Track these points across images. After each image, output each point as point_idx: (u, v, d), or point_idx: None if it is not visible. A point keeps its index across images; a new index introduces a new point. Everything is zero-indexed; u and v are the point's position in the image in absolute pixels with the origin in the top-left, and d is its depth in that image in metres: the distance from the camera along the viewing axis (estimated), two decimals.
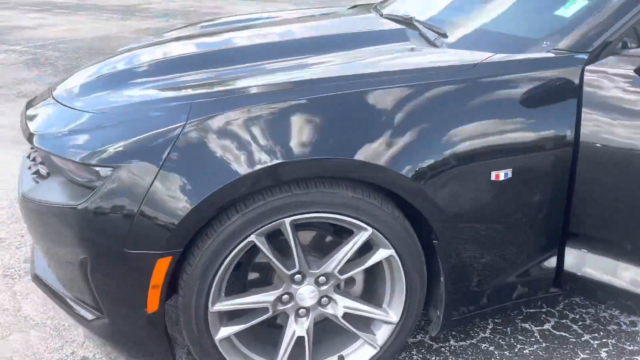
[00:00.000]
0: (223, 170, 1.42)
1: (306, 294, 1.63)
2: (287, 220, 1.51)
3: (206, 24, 2.76)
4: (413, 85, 1.55)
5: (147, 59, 2.02)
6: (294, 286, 1.63)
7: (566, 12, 1.79)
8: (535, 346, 1.96)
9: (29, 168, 1.78)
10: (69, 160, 1.53)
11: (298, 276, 1.61)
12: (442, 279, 1.65)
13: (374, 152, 1.48)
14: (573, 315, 2.12)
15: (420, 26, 2.05)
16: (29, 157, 1.85)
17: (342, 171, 1.51)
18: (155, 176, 1.42)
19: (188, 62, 1.95)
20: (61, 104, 1.77)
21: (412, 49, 1.88)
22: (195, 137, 1.44)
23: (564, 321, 2.08)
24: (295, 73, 1.73)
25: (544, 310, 2.13)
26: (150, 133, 1.46)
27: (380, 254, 1.61)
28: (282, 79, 1.67)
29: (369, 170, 1.49)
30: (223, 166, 1.43)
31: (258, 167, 1.43)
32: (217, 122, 1.46)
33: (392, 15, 2.31)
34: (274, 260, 1.56)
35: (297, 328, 1.66)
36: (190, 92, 1.65)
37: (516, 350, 1.94)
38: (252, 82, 1.68)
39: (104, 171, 1.48)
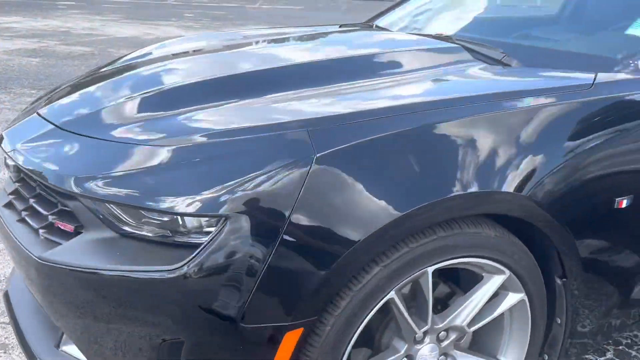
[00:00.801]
0: (372, 211, 1.16)
1: (427, 353, 1.39)
2: (430, 270, 1.28)
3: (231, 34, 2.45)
4: (537, 107, 1.41)
5: (184, 77, 1.66)
6: (416, 346, 1.38)
7: (636, 31, 1.80)
8: None
9: (22, 221, 1.42)
10: (152, 210, 1.14)
11: (420, 334, 1.37)
12: (560, 321, 1.51)
13: (516, 181, 1.31)
14: None
15: (472, 46, 1.92)
16: (9, 205, 1.52)
17: (484, 205, 1.31)
18: (285, 224, 1.10)
19: (251, 81, 1.62)
20: (92, 137, 1.40)
21: (497, 70, 1.74)
22: (329, 174, 1.15)
23: None
24: (399, 93, 1.51)
25: None
26: (269, 170, 1.14)
27: (512, 299, 1.43)
28: (403, 101, 1.43)
29: (513, 203, 1.32)
30: (372, 207, 1.16)
31: (414, 206, 1.18)
32: (351, 153, 1.19)
33: (425, 33, 2.17)
34: (408, 318, 1.31)
35: None
36: (293, 117, 1.33)
37: None
38: (366, 105, 1.41)
39: (209, 223, 1.12)
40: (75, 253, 1.25)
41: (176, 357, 1.19)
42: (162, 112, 1.46)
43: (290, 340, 1.17)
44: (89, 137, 1.40)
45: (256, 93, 1.51)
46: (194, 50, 2.17)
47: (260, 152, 1.21)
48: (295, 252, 1.14)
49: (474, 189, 1.26)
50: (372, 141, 1.22)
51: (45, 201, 1.41)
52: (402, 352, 1.38)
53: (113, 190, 1.21)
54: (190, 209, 1.14)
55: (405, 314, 1.32)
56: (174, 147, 1.27)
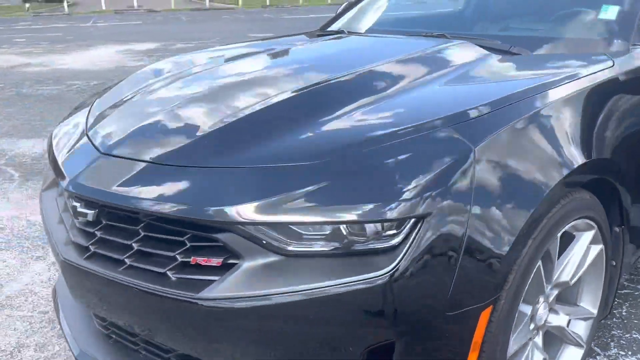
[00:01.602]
0: (531, 189, 1.31)
1: (542, 312, 1.57)
2: (558, 235, 1.45)
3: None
4: (591, 86, 1.63)
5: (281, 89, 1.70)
6: (535, 307, 1.55)
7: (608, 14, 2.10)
8: None
9: (130, 268, 1.35)
10: (339, 222, 1.17)
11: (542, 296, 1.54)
12: (615, 263, 1.79)
13: (605, 147, 1.58)
14: None
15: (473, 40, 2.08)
16: (92, 256, 1.44)
17: (592, 172, 1.54)
18: (469, 216, 1.20)
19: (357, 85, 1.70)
20: (229, 167, 1.35)
21: (523, 59, 1.94)
22: (489, 161, 1.27)
23: None
24: (479, 86, 1.66)
25: None
26: (442, 168, 1.22)
27: (595, 250, 1.66)
28: (500, 92, 1.52)
29: (603, 167, 1.55)
30: (529, 186, 1.30)
31: (557, 179, 1.35)
32: (502, 138, 1.31)
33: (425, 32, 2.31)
34: (545, 282, 1.48)
35: (538, 354, 1.58)
36: (434, 116, 1.40)
37: None
38: (476, 98, 1.50)
39: (394, 225, 1.19)
40: (243, 284, 1.20)
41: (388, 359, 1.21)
42: (293, 126, 1.45)
43: (483, 318, 1.25)
44: (222, 167, 1.34)
45: (372, 95, 1.56)
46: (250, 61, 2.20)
47: (428, 152, 1.27)
48: (480, 238, 1.22)
49: (587, 157, 1.46)
50: (513, 126, 1.35)
51: (159, 242, 1.32)
52: (529, 314, 1.53)
53: (290, 212, 1.18)
54: (390, 214, 1.16)
55: (544, 278, 1.47)
56: (339, 157, 1.27)
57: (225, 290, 1.20)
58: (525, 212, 1.27)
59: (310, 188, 1.20)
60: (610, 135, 1.61)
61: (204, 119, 1.57)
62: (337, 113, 1.48)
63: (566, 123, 1.49)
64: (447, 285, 1.19)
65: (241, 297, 1.18)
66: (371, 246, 1.19)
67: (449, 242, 1.18)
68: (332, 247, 1.20)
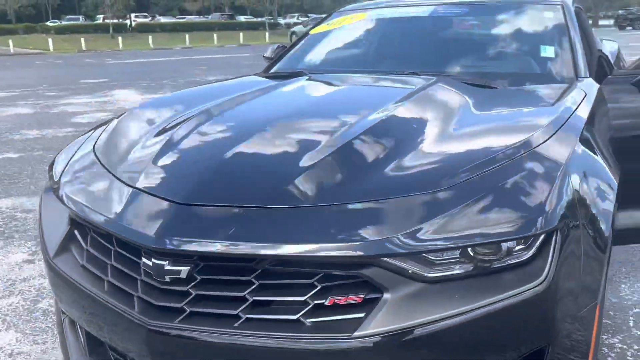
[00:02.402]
0: None
1: None
2: None
3: None
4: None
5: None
6: None
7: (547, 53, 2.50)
8: None
9: (248, 321, 1.23)
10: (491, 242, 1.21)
11: None
12: None
13: None
14: None
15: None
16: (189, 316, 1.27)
17: None
18: (580, 223, 1.35)
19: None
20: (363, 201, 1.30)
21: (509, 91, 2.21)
22: (575, 174, 1.47)
23: None
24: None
25: None
26: (552, 184, 1.34)
27: None
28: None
29: None
30: None
31: None
32: (576, 152, 1.55)
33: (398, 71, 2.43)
34: None
35: None
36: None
37: None
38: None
39: (539, 239, 1.25)
40: (393, 316, 1.17)
41: None
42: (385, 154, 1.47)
43: (598, 311, 1.39)
44: (341, 203, 1.28)
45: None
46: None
47: (535, 171, 1.37)
48: (590, 242, 1.37)
49: None
50: (578, 138, 1.60)
51: (278, 289, 1.25)
52: None
53: (433, 240, 1.19)
54: (529, 230, 1.21)
55: None
56: (461, 183, 1.31)
57: (380, 324, 1.15)
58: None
59: (444, 214, 1.22)
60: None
61: (285, 156, 1.50)
62: (420, 146, 1.52)
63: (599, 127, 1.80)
64: (595, 288, 1.34)
65: (401, 329, 1.15)
66: (506, 263, 1.22)
67: (576, 248, 1.30)
68: (471, 269, 1.21)
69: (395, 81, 2.32)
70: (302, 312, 1.20)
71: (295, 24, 39.73)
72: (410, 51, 2.79)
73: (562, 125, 1.61)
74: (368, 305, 1.19)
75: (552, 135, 1.54)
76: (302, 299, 1.20)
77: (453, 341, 1.19)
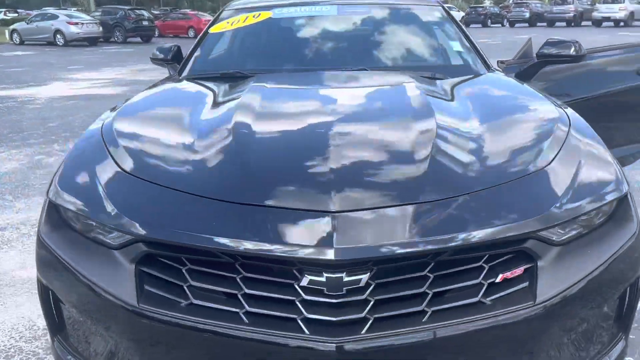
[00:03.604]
0: None
1: None
2: None
3: None
4: None
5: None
6: None
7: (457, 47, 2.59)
8: None
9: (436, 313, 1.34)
10: None
11: None
12: None
13: None
14: None
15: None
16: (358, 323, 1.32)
17: None
18: None
19: None
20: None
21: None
22: None
23: None
24: None
25: None
26: None
27: None
28: None
29: None
30: None
31: None
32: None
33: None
34: None
35: None
36: None
37: None
38: None
39: None
40: (553, 280, 1.39)
41: None
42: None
43: None
44: (478, 190, 1.46)
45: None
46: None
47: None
48: None
49: None
50: None
51: (450, 277, 1.37)
52: None
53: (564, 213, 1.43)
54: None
55: None
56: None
57: (550, 288, 1.36)
58: None
59: (569, 188, 1.50)
60: None
61: (399, 154, 1.64)
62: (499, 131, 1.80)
63: None
64: None
65: (568, 287, 1.38)
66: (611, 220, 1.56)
67: None
68: (589, 230, 1.49)
69: (376, 76, 2.54)
70: (481, 293, 1.34)
71: (4, 20, 36.34)
72: (339, 49, 2.88)
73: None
74: (527, 275, 1.39)
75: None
76: (477, 281, 1.35)
77: (603, 283, 1.45)
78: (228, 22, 3.10)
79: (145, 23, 25.82)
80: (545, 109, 2.01)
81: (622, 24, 29.60)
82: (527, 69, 2.81)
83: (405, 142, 1.68)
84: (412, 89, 2.13)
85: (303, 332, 1.29)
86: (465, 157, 1.60)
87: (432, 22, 3.09)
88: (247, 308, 1.34)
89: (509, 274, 1.38)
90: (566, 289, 1.38)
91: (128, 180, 1.62)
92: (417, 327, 1.29)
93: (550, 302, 1.36)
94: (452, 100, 2.10)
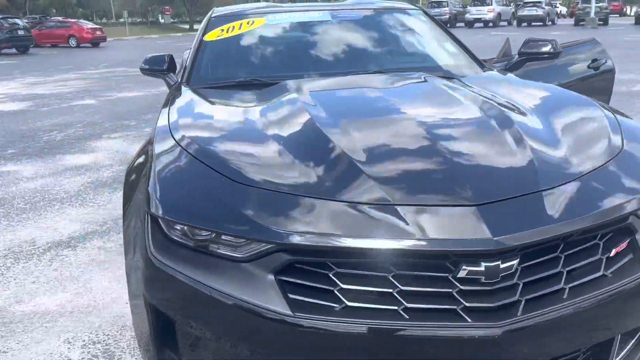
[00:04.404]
0: None
1: None
2: None
3: None
4: None
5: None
6: None
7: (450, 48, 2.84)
8: None
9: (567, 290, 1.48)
10: None
11: None
12: None
13: None
14: None
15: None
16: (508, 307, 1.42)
17: None
18: None
19: None
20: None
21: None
22: None
23: None
24: None
25: None
26: None
27: None
28: None
29: None
30: None
31: None
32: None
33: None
34: None
35: None
36: None
37: None
38: None
39: None
40: None
41: None
42: None
43: None
44: (569, 181, 1.59)
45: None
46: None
47: None
48: None
49: None
50: None
51: (576, 256, 1.50)
52: None
53: None
54: None
55: None
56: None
57: None
58: None
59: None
60: None
61: (495, 149, 1.75)
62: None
63: None
64: None
65: None
66: None
67: None
68: None
69: (406, 78, 2.63)
70: (602, 267, 1.49)
71: None
72: (350, 53, 2.93)
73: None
74: (630, 248, 1.57)
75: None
76: (598, 257, 1.50)
77: None
78: (222, 30, 3.06)
79: (20, 32, 23.70)
80: (577, 99, 2.28)
81: (491, 24, 32.43)
82: (511, 66, 3.08)
83: (502, 137, 1.80)
84: (464, 88, 2.34)
85: (465, 320, 1.35)
86: (554, 147, 1.75)
87: (422, 25, 3.28)
88: (406, 304, 1.38)
89: (619, 248, 1.54)
90: None
91: (249, 191, 1.58)
92: (562, 304, 1.40)
93: None
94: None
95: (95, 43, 28.37)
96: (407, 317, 1.37)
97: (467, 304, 1.37)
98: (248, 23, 3.08)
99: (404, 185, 1.56)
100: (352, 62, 2.91)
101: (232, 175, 1.64)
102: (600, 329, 1.52)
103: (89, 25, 29.74)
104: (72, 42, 27.95)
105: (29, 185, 4.70)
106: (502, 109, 2.03)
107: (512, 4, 38.17)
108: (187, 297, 1.52)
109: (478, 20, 32.96)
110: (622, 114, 2.12)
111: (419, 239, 1.38)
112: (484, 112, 2.00)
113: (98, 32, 28.63)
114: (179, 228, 1.56)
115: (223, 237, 1.51)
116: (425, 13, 3.41)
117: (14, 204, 4.22)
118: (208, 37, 3.04)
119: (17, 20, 25.04)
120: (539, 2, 34.27)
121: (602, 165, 1.69)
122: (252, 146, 1.86)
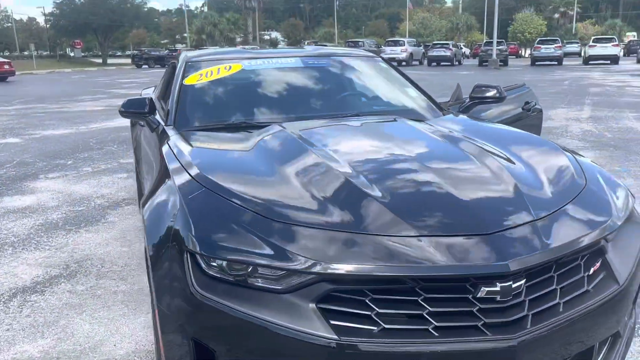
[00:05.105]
0: None
1: None
2: None
3: None
4: None
5: None
6: None
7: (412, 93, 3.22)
8: None
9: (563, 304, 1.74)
10: None
11: None
12: None
13: None
14: None
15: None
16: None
17: None
18: None
19: None
20: None
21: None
22: None
23: None
24: None
25: None
26: None
27: None
28: None
29: None
30: None
31: None
32: None
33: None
34: None
35: None
36: None
37: None
38: None
39: None
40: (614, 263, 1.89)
41: None
42: None
43: None
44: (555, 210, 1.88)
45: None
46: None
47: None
48: None
49: None
50: None
51: (566, 275, 1.76)
52: None
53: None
54: None
55: None
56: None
57: (622, 271, 1.86)
58: None
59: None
60: None
61: (495, 187, 2.00)
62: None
63: None
64: None
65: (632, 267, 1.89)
66: None
67: None
68: None
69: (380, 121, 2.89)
70: (585, 283, 1.77)
71: None
72: (322, 97, 3.12)
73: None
74: (602, 266, 1.84)
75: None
76: (581, 275, 1.78)
77: None
78: (201, 74, 3.18)
79: None
80: (538, 140, 2.64)
81: (404, 63, 34.32)
82: (464, 109, 3.46)
83: (488, 173, 2.07)
84: (442, 131, 2.61)
85: (486, 334, 1.56)
86: (533, 182, 2.04)
87: (385, 70, 3.59)
88: (435, 323, 1.57)
89: (595, 267, 1.81)
90: (632, 269, 1.86)
91: (283, 227, 1.71)
92: (558, 317, 1.64)
93: (627, 281, 1.82)
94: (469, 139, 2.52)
95: (2, 77, 26.84)
96: (437, 334, 1.56)
97: (487, 320, 1.59)
98: (225, 68, 3.23)
99: (425, 220, 1.77)
100: (330, 105, 3.13)
101: (263, 212, 1.78)
102: (584, 338, 1.77)
103: None
104: None
105: None
106: (484, 150, 2.31)
107: (421, 45, 40.72)
108: (231, 328, 1.62)
109: (392, 59, 34.75)
110: (577, 153, 2.48)
111: (443, 266, 1.59)
112: (473, 155, 2.24)
113: (6, 66, 27.11)
114: (216, 264, 1.67)
115: (260, 270, 1.64)
116: (384, 60, 3.73)
117: None
118: (188, 81, 3.14)
119: None
120: (447, 44, 36.92)
121: (574, 198, 1.98)
122: (273, 185, 2.01)
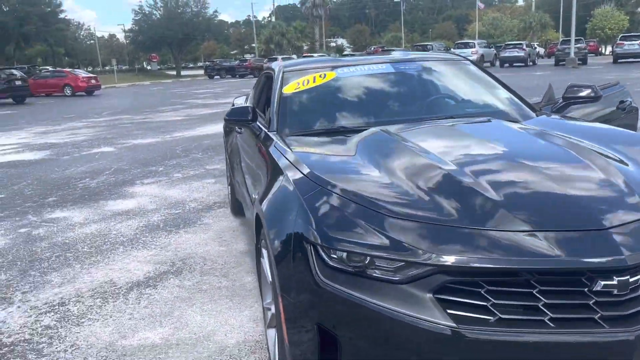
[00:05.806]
0: None
1: None
2: None
3: None
4: None
5: None
6: None
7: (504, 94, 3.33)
8: None
9: None
10: None
11: None
12: None
13: None
14: None
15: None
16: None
17: None
18: None
19: None
20: None
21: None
22: None
23: None
24: None
25: None
26: None
27: None
28: None
29: None
30: None
31: None
32: None
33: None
34: None
35: None
36: None
37: None
38: None
39: None
40: None
41: None
42: None
43: None
44: None
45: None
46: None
47: None
48: None
49: None
50: None
51: None
52: None
53: None
54: None
55: None
56: None
57: None
58: None
59: None
60: None
61: (591, 181, 2.04)
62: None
63: None
64: None
65: None
66: None
67: None
68: None
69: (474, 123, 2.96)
70: None
71: None
72: (419, 101, 3.24)
73: None
74: None
75: None
76: None
77: None
78: (298, 83, 3.37)
79: (18, 83, 24.01)
80: (637, 137, 2.63)
81: None
82: (557, 109, 3.44)
83: (595, 170, 2.10)
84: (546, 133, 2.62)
85: (603, 327, 1.61)
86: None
87: (474, 73, 3.65)
88: (551, 315, 1.63)
89: None
90: None
91: (400, 223, 1.83)
92: None
93: None
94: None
95: (89, 91, 28.77)
96: (553, 325, 1.62)
97: (603, 313, 1.63)
98: (320, 76, 3.40)
99: (537, 215, 1.82)
100: (423, 109, 3.23)
101: (377, 208, 1.91)
102: None
103: (83, 73, 30.20)
104: (67, 91, 28.28)
105: (84, 230, 4.89)
106: (586, 147, 2.34)
107: (492, 46, 39.68)
108: (353, 315, 1.76)
109: None
110: None
111: (559, 259, 1.65)
112: (575, 152, 2.28)
113: (93, 81, 29.07)
114: (336, 256, 1.81)
115: (377, 262, 1.77)
116: (473, 62, 3.78)
117: (78, 249, 4.41)
118: (287, 90, 3.34)
119: (14, 71, 25.38)
120: (520, 44, 35.74)
121: None
122: (382, 183, 2.14)
